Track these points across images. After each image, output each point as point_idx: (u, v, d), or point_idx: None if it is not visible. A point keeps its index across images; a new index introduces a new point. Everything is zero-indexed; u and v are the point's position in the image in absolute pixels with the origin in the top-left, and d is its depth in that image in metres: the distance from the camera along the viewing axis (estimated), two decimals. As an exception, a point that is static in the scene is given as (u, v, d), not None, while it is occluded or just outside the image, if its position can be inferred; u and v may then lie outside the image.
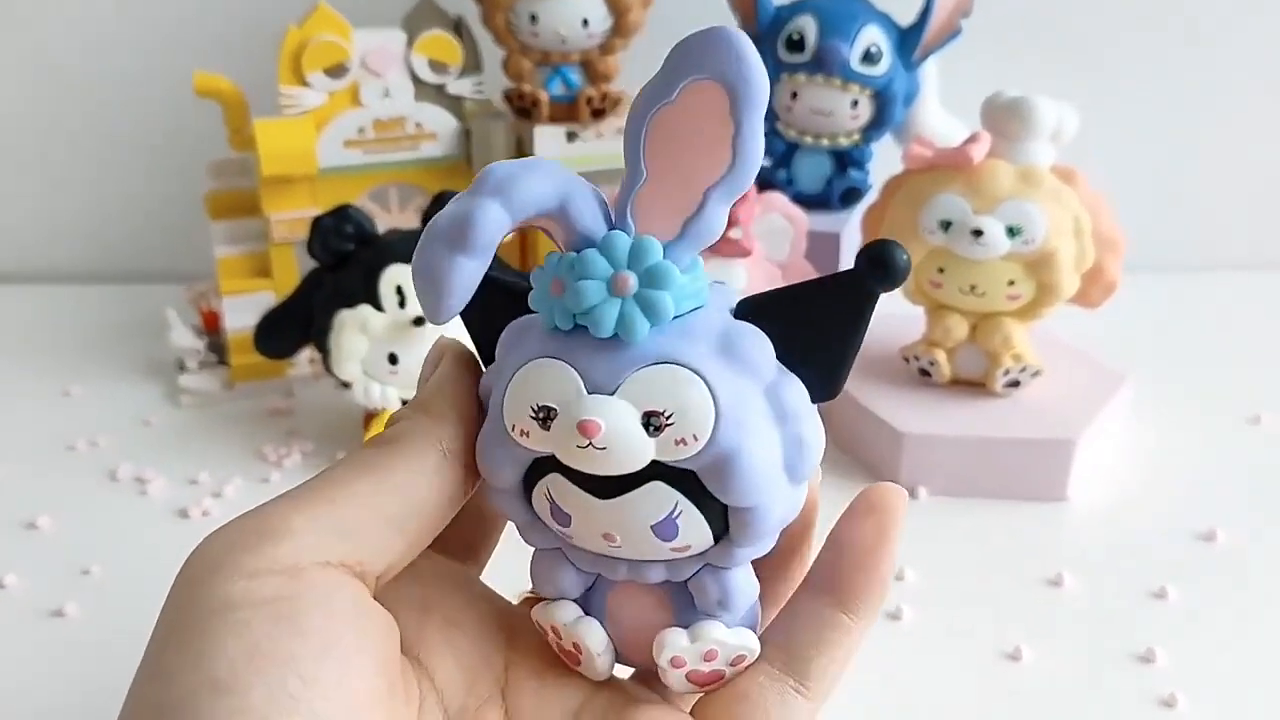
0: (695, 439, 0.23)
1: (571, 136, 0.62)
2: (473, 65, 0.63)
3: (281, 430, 0.58)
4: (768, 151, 0.61)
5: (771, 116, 0.61)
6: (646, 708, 0.26)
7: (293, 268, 0.60)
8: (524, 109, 0.62)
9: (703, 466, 0.23)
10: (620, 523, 0.24)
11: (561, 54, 0.61)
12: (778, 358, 0.24)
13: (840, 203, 0.61)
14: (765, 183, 0.60)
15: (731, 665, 0.26)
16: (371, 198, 0.63)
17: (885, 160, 0.62)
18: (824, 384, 0.24)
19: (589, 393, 0.23)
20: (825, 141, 0.60)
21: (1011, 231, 0.50)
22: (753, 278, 0.54)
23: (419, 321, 0.51)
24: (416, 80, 0.61)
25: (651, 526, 0.24)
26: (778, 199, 0.55)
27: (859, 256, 0.23)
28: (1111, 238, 0.52)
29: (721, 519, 0.24)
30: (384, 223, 0.62)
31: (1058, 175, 0.51)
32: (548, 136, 0.62)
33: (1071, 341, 0.58)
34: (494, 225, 0.22)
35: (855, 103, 0.58)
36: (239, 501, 0.53)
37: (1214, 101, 0.74)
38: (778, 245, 0.55)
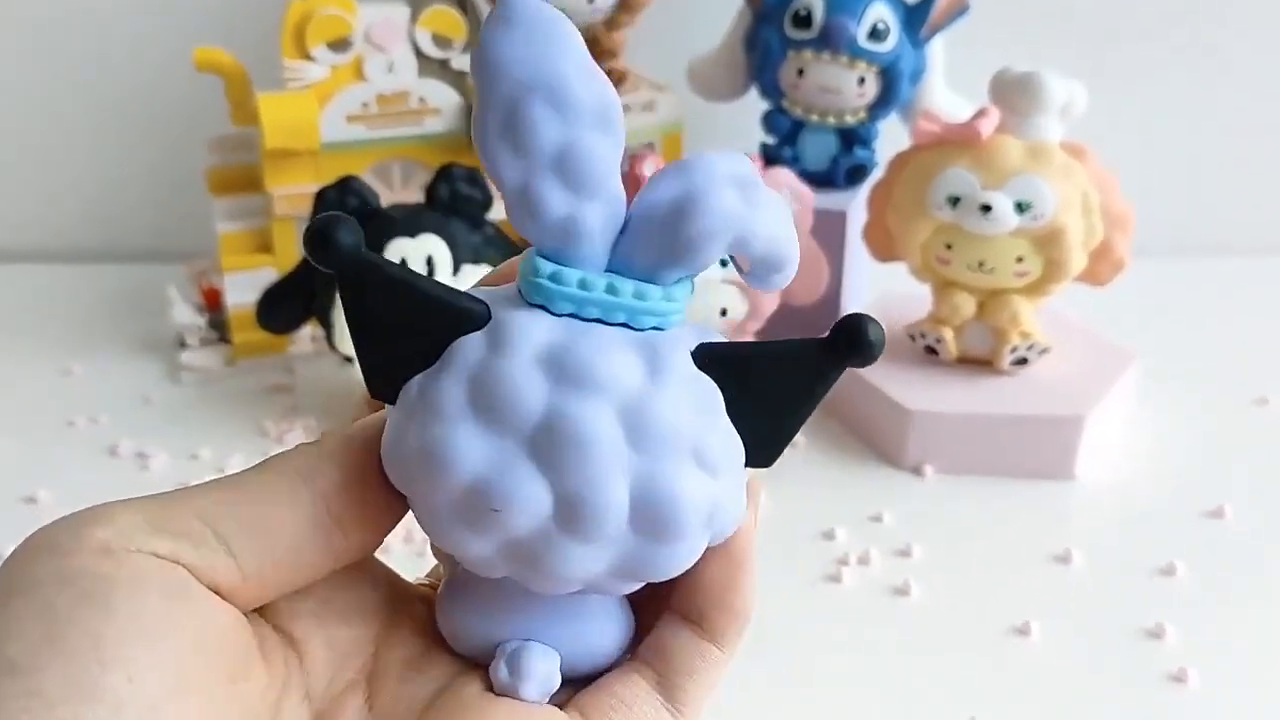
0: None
1: (576, 113, 0.61)
2: (477, 40, 0.62)
3: (283, 406, 0.58)
4: (773, 129, 0.61)
5: (778, 94, 0.60)
6: (502, 701, 0.24)
7: (294, 244, 0.60)
8: (528, 85, 0.61)
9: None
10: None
11: (566, 29, 0.60)
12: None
13: (846, 181, 0.61)
14: (771, 160, 0.60)
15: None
16: (374, 173, 0.62)
17: (891, 138, 0.61)
18: (760, 450, 0.23)
19: None
20: (831, 119, 0.60)
21: (1020, 207, 0.49)
22: (759, 254, 0.54)
23: (423, 296, 0.51)
24: (420, 55, 0.61)
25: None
26: (784, 175, 0.55)
27: (834, 330, 0.22)
28: (1120, 215, 0.52)
29: None
30: (387, 198, 0.61)
31: (1067, 152, 0.51)
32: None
33: (1080, 321, 0.57)
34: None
35: (862, 80, 0.58)
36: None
37: (1226, 83, 0.73)
38: (784, 222, 0.55)
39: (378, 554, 0.25)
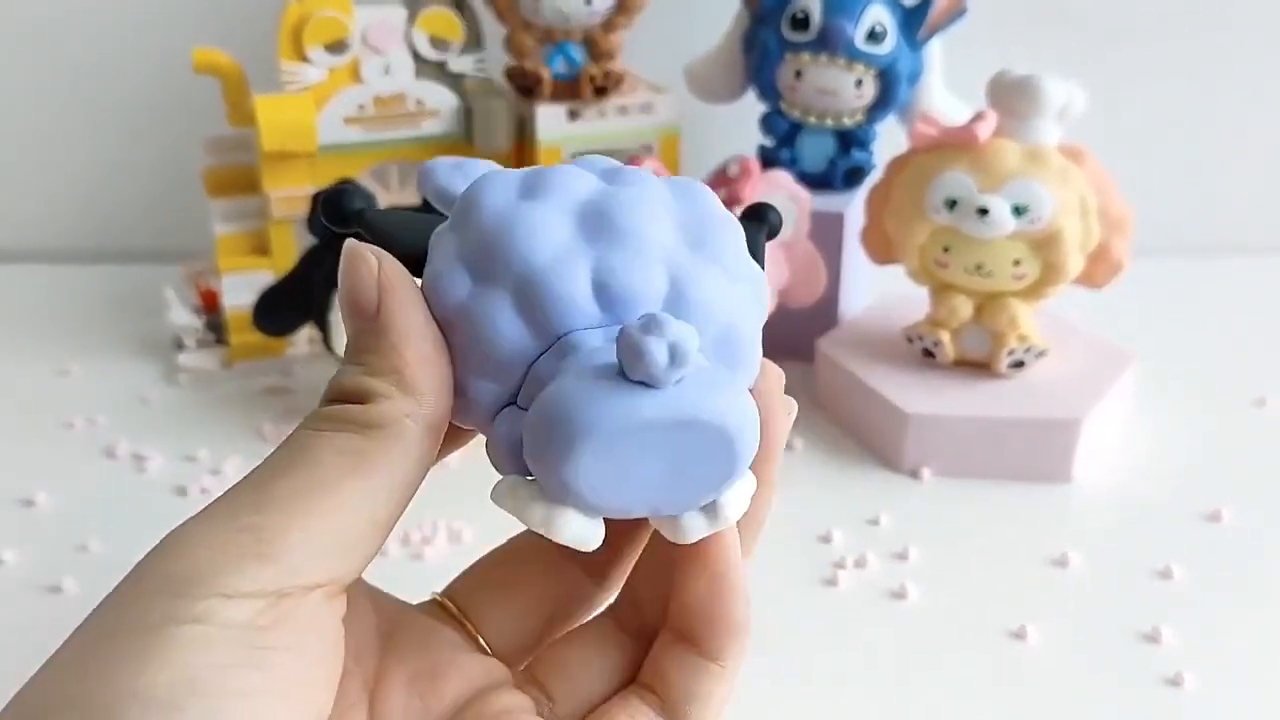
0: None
1: (574, 115, 0.61)
2: (474, 42, 0.62)
3: (280, 409, 0.58)
4: (771, 131, 0.61)
5: (775, 96, 0.60)
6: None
7: (291, 246, 0.60)
8: (526, 87, 0.61)
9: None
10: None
11: (564, 31, 0.60)
12: None
13: (844, 183, 0.61)
14: (768, 162, 0.60)
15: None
16: (372, 175, 0.62)
17: (889, 141, 0.61)
18: None
19: None
20: (829, 121, 0.59)
21: (1018, 210, 0.49)
22: (756, 256, 0.54)
23: (420, 298, 0.51)
24: (417, 57, 0.61)
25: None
26: (782, 177, 0.55)
27: (747, 211, 0.27)
28: (1118, 218, 0.52)
29: None
30: (384, 200, 0.61)
31: (1065, 154, 0.51)
32: (549, 114, 0.61)
33: (1077, 322, 0.57)
34: None
35: (859, 82, 0.58)
36: (237, 479, 0.52)
37: (1225, 82, 0.73)
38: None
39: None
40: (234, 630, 0.19)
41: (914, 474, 0.52)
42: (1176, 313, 0.67)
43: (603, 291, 0.22)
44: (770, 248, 0.55)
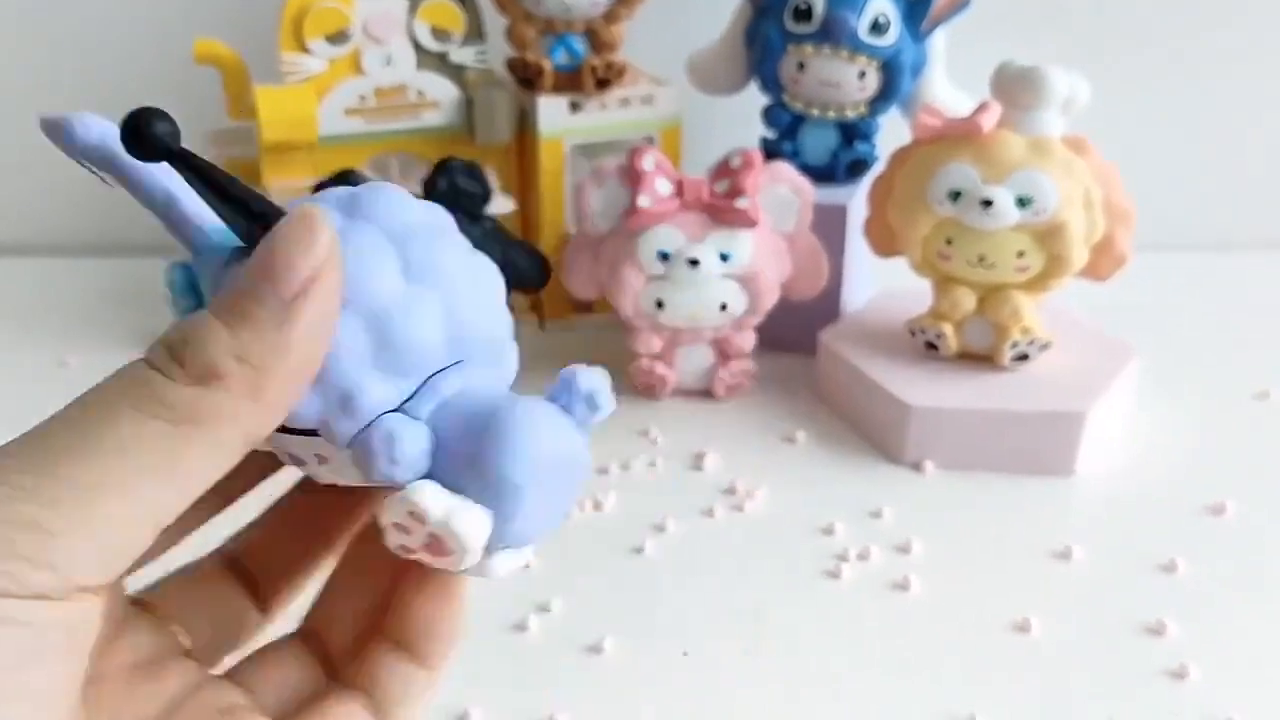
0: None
1: (575, 106, 0.61)
2: (475, 33, 0.62)
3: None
4: (774, 123, 0.61)
5: (778, 88, 0.60)
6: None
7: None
8: (527, 78, 0.61)
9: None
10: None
11: (565, 22, 0.60)
12: None
13: (847, 175, 0.60)
14: (771, 154, 0.60)
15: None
16: (373, 166, 0.62)
17: (892, 133, 0.61)
18: None
19: None
20: (832, 113, 0.59)
21: (1021, 202, 0.49)
22: (758, 248, 0.54)
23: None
24: (418, 48, 0.60)
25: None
26: (785, 169, 0.55)
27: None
28: (1122, 209, 0.51)
29: None
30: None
31: (1069, 146, 0.51)
32: (551, 106, 0.61)
33: (1080, 316, 0.57)
34: None
35: (862, 74, 0.58)
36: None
37: (1227, 78, 0.73)
38: (784, 216, 0.55)
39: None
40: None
41: (916, 467, 0.52)
42: (1179, 307, 0.67)
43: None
44: (773, 239, 0.54)
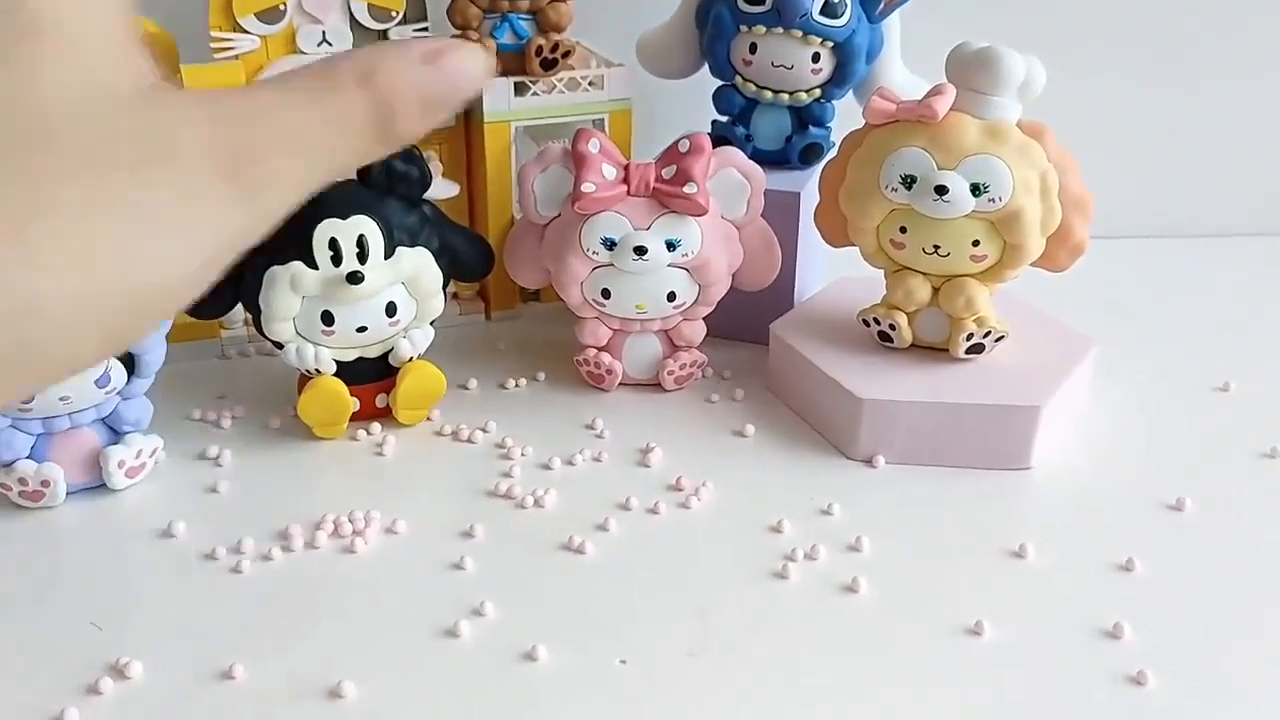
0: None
1: (520, 88, 0.59)
2: (416, 11, 0.59)
3: (212, 394, 0.55)
4: (726, 107, 0.59)
5: (730, 71, 0.58)
6: None
7: (225, 224, 0.57)
8: (470, 59, 0.58)
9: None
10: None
11: (510, 2, 0.58)
12: None
13: (800, 161, 0.59)
14: (722, 139, 0.58)
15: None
16: (309, 151, 0.60)
17: (846, 118, 0.59)
18: None
19: None
20: (785, 97, 0.57)
21: (977, 189, 0.48)
22: (707, 235, 0.52)
23: (354, 278, 0.49)
24: (356, 26, 0.58)
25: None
26: (734, 154, 0.53)
27: None
28: (1080, 198, 0.50)
29: None
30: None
31: (1026, 131, 0.49)
32: (495, 88, 0.59)
33: (1036, 307, 0.56)
34: None
35: (816, 56, 0.56)
36: (168, 467, 0.50)
37: (1186, 65, 0.72)
38: (734, 203, 0.53)
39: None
40: None
41: (868, 461, 0.50)
42: (1138, 297, 0.66)
43: None
44: (723, 227, 0.53)
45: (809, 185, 0.57)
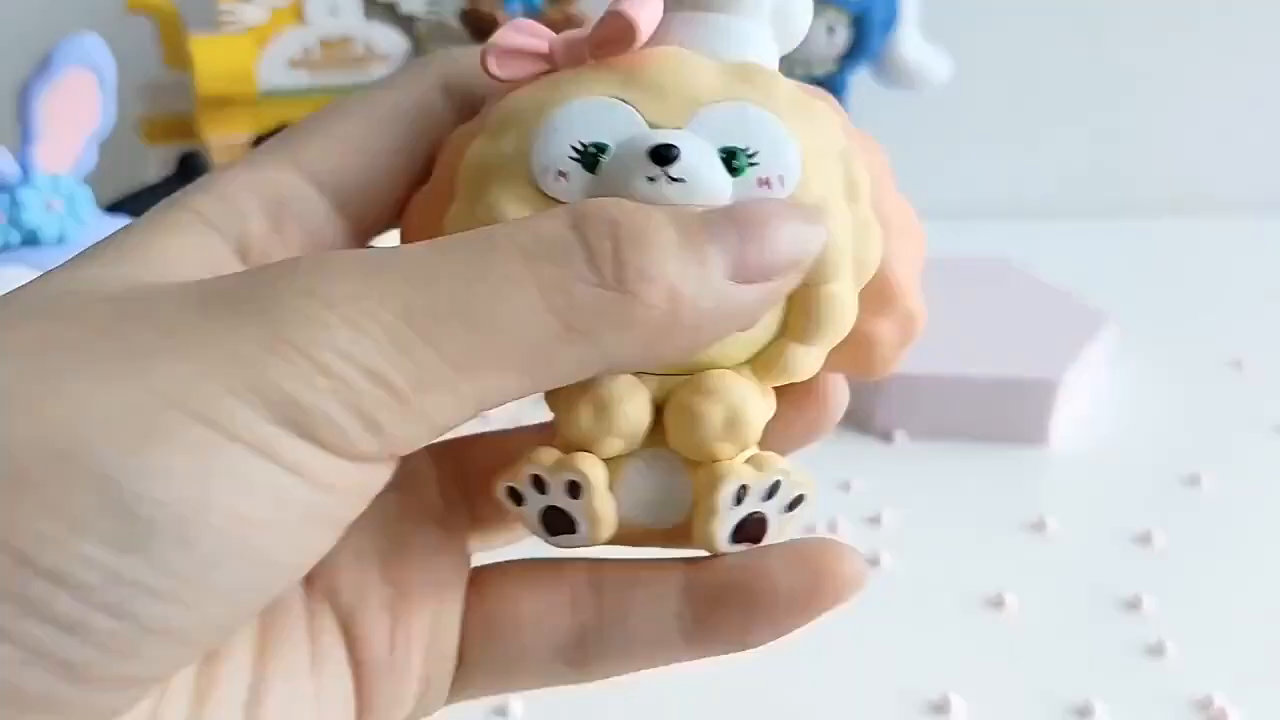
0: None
1: (532, 61, 0.58)
2: (428, -17, 0.59)
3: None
4: (739, 80, 0.58)
5: (743, 43, 0.57)
6: None
7: (234, 197, 0.57)
8: (481, 30, 0.58)
9: None
10: None
11: (522, -28, 0.57)
12: None
13: (814, 135, 0.58)
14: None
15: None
16: (318, 123, 0.59)
17: (862, 92, 0.59)
18: None
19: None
20: (799, 70, 0.57)
21: (734, 159, 0.20)
22: (724, 210, 0.51)
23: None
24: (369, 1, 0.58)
25: None
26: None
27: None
28: (904, 218, 0.22)
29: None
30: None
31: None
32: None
33: (1050, 282, 0.56)
34: None
35: (831, 29, 0.56)
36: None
37: (1203, 39, 0.72)
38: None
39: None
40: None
41: (886, 436, 0.50)
42: (1151, 274, 0.66)
43: None
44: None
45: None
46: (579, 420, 0.20)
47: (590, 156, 0.19)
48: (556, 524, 0.21)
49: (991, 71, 0.69)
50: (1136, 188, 0.73)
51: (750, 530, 0.21)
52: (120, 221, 0.45)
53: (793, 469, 0.21)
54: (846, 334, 0.21)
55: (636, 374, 0.20)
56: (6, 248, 0.42)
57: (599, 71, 0.20)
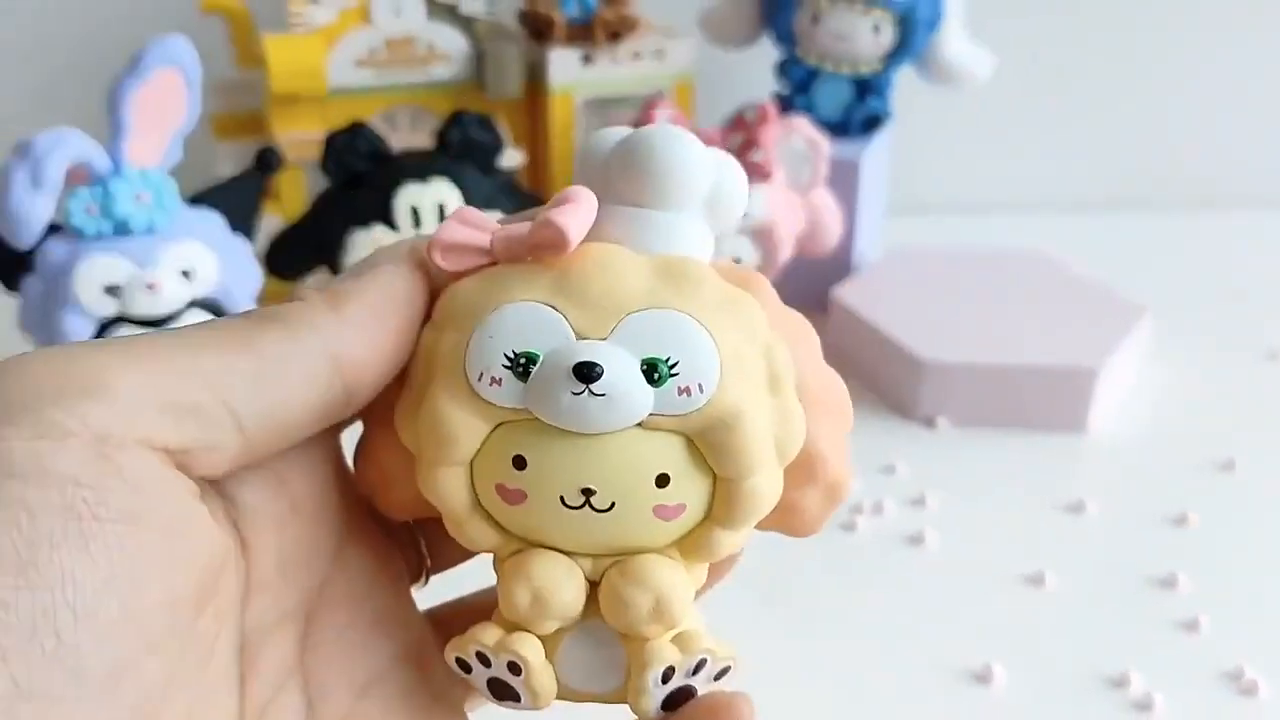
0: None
1: (587, 59, 0.61)
2: (491, -14, 0.61)
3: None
4: (787, 78, 0.60)
5: (791, 42, 0.59)
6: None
7: (301, 190, 0.59)
8: (539, 30, 0.60)
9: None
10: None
11: (577, -26, 0.59)
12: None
13: (860, 130, 0.60)
14: (784, 109, 0.59)
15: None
16: (382, 120, 0.61)
17: (906, 89, 0.61)
18: None
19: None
20: (846, 68, 0.59)
21: (654, 370, 0.21)
22: (772, 202, 0.53)
23: (434, 242, 0.50)
24: (432, 1, 0.60)
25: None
26: (801, 123, 0.54)
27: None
28: (827, 389, 0.24)
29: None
30: (394, 145, 0.60)
31: (727, 278, 0.23)
32: (562, 59, 0.60)
33: (1089, 274, 0.57)
34: None
35: (877, 28, 0.57)
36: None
37: (1247, 35, 0.73)
38: (799, 170, 0.54)
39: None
40: (56, 490, 0.17)
41: (929, 423, 0.52)
42: (1186, 267, 0.67)
43: None
44: (787, 194, 0.54)
45: (868, 153, 0.59)
46: (518, 604, 0.22)
47: (521, 367, 0.21)
48: (502, 692, 0.23)
49: (1031, 68, 0.71)
50: (1173, 182, 0.74)
51: (679, 700, 0.23)
52: (202, 213, 0.48)
53: (716, 645, 0.23)
54: (771, 510, 0.22)
55: (571, 558, 0.22)
56: (99, 236, 0.45)
57: (534, 271, 0.22)
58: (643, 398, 0.21)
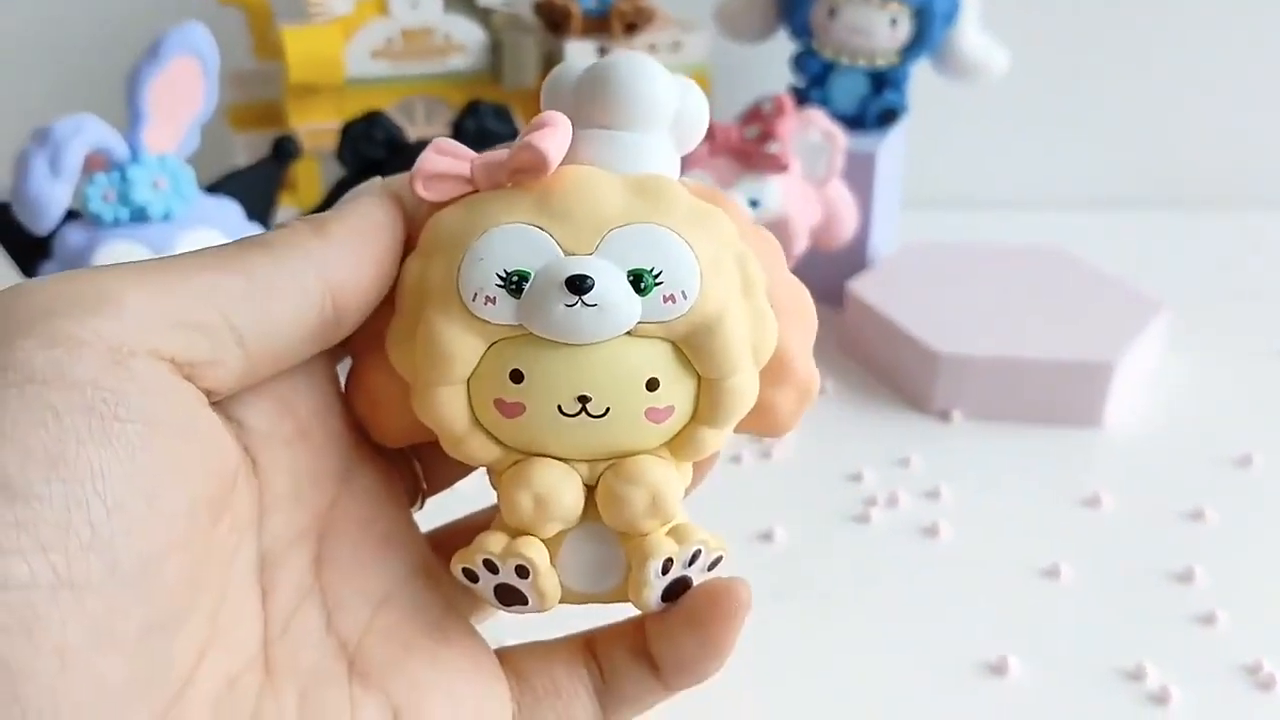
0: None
1: (603, 51, 0.61)
2: (505, -24, 0.61)
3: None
4: (803, 71, 0.60)
5: (807, 35, 0.59)
6: (455, 633, 0.24)
7: (317, 180, 0.59)
8: (555, 22, 0.60)
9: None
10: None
11: (594, -34, 0.59)
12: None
13: (876, 123, 0.60)
14: (800, 102, 0.59)
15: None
16: (398, 110, 0.62)
17: (922, 82, 0.61)
18: None
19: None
20: (862, 61, 0.59)
21: (641, 280, 0.23)
22: (788, 194, 0.53)
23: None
24: (449, -8, 0.60)
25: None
26: (817, 115, 0.54)
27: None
28: (794, 296, 0.25)
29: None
30: (411, 136, 0.60)
31: (696, 195, 0.25)
32: (578, 51, 0.60)
33: (1106, 270, 0.57)
34: None
35: (894, 21, 0.57)
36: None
37: (1267, 32, 0.72)
38: (815, 163, 0.54)
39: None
40: (77, 391, 0.18)
41: (944, 416, 0.52)
42: (1203, 263, 0.67)
43: None
44: (803, 186, 0.54)
45: (884, 146, 0.59)
46: (521, 510, 0.23)
47: (514, 284, 0.22)
48: (509, 598, 0.24)
49: (1048, 63, 0.71)
50: (1191, 179, 0.74)
51: (678, 591, 0.24)
52: (219, 201, 0.48)
53: (709, 535, 0.24)
54: (749, 411, 0.24)
55: (567, 464, 0.23)
56: (116, 223, 0.45)
57: (516, 195, 0.23)
58: (631, 307, 0.22)
